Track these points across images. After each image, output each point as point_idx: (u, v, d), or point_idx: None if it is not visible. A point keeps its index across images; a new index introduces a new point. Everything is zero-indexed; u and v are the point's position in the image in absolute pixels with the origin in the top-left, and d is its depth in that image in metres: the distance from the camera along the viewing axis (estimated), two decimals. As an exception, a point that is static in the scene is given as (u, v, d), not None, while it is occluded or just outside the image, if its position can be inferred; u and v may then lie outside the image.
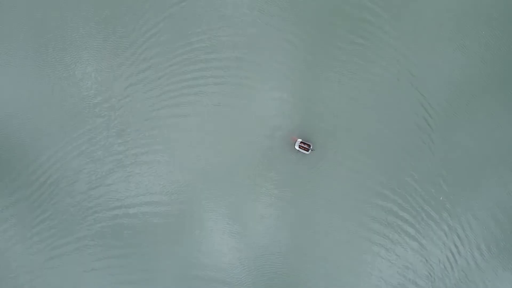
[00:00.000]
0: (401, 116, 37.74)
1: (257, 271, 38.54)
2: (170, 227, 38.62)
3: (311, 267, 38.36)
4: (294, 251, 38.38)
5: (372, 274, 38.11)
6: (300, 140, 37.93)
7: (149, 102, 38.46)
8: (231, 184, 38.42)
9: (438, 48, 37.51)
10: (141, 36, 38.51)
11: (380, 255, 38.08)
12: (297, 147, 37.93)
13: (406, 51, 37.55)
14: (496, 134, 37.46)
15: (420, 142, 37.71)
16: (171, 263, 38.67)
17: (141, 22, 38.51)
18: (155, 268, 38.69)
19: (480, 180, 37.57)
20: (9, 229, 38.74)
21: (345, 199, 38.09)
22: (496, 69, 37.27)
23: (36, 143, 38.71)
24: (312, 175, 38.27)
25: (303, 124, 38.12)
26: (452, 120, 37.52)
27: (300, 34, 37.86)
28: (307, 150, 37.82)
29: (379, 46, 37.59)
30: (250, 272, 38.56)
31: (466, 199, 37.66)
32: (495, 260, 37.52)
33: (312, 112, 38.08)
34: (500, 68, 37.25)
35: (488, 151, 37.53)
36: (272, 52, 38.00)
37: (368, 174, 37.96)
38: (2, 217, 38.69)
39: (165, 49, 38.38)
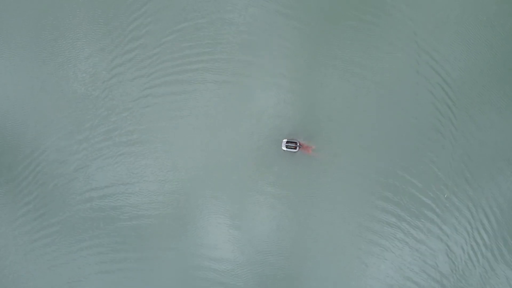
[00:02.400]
0: (419, 99, 35.86)
1: (258, 261, 37.58)
2: (165, 210, 38.00)
3: (319, 255, 36.70)
4: (298, 240, 37.18)
5: (386, 259, 36.27)
6: (285, 140, 36.32)
7: (141, 80, 38.00)
8: (231, 173, 37.48)
9: (457, 31, 35.50)
10: (133, 13, 37.90)
11: (396, 237, 36.22)
12: (284, 148, 36.30)
13: (424, 33, 35.63)
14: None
15: (441, 126, 35.73)
16: (167, 248, 38.14)
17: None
18: (150, 254, 38.29)
19: (503, 169, 35.48)
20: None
21: (359, 180, 36.18)
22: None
23: (22, 126, 39.18)
24: (322, 159, 36.66)
25: (309, 112, 36.44)
26: (475, 105, 35.46)
27: (306, 13, 36.21)
28: (295, 148, 36.29)
29: (395, 26, 35.90)
30: (249, 262, 37.65)
31: (489, 187, 35.77)
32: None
33: (324, 94, 36.40)
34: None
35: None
36: (274, 31, 36.45)
37: (386, 157, 36.05)
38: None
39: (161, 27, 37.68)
